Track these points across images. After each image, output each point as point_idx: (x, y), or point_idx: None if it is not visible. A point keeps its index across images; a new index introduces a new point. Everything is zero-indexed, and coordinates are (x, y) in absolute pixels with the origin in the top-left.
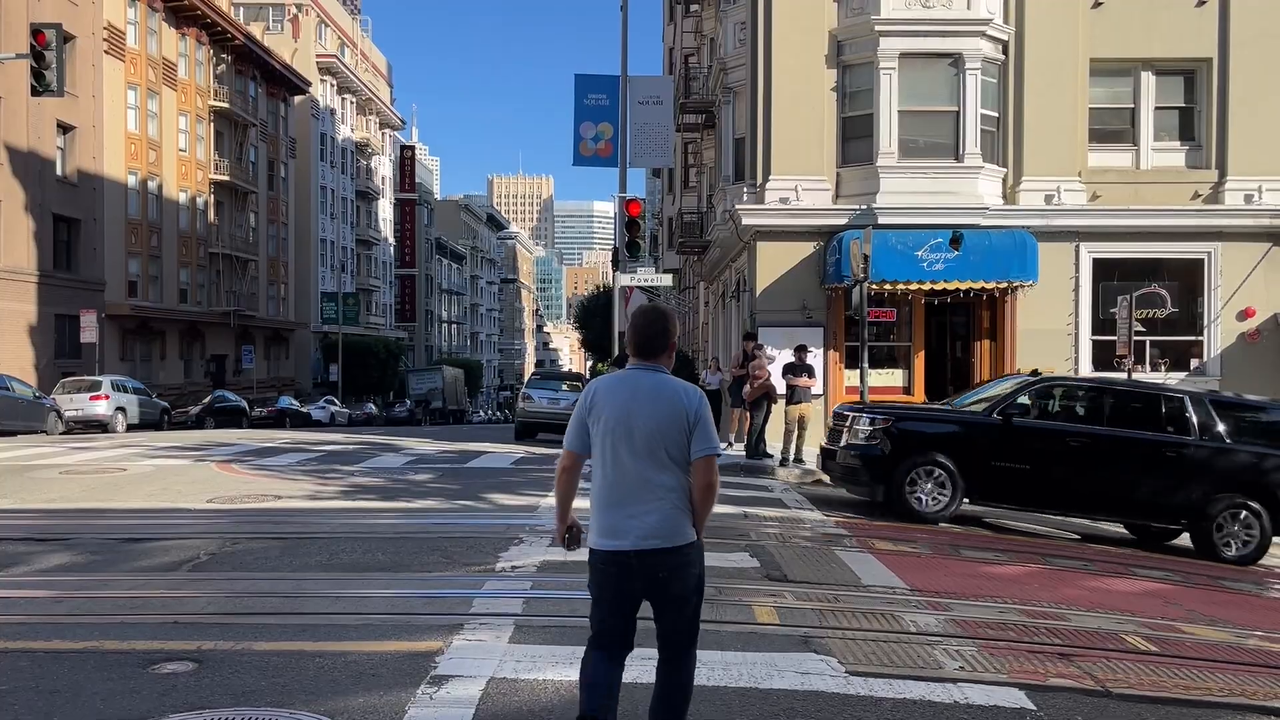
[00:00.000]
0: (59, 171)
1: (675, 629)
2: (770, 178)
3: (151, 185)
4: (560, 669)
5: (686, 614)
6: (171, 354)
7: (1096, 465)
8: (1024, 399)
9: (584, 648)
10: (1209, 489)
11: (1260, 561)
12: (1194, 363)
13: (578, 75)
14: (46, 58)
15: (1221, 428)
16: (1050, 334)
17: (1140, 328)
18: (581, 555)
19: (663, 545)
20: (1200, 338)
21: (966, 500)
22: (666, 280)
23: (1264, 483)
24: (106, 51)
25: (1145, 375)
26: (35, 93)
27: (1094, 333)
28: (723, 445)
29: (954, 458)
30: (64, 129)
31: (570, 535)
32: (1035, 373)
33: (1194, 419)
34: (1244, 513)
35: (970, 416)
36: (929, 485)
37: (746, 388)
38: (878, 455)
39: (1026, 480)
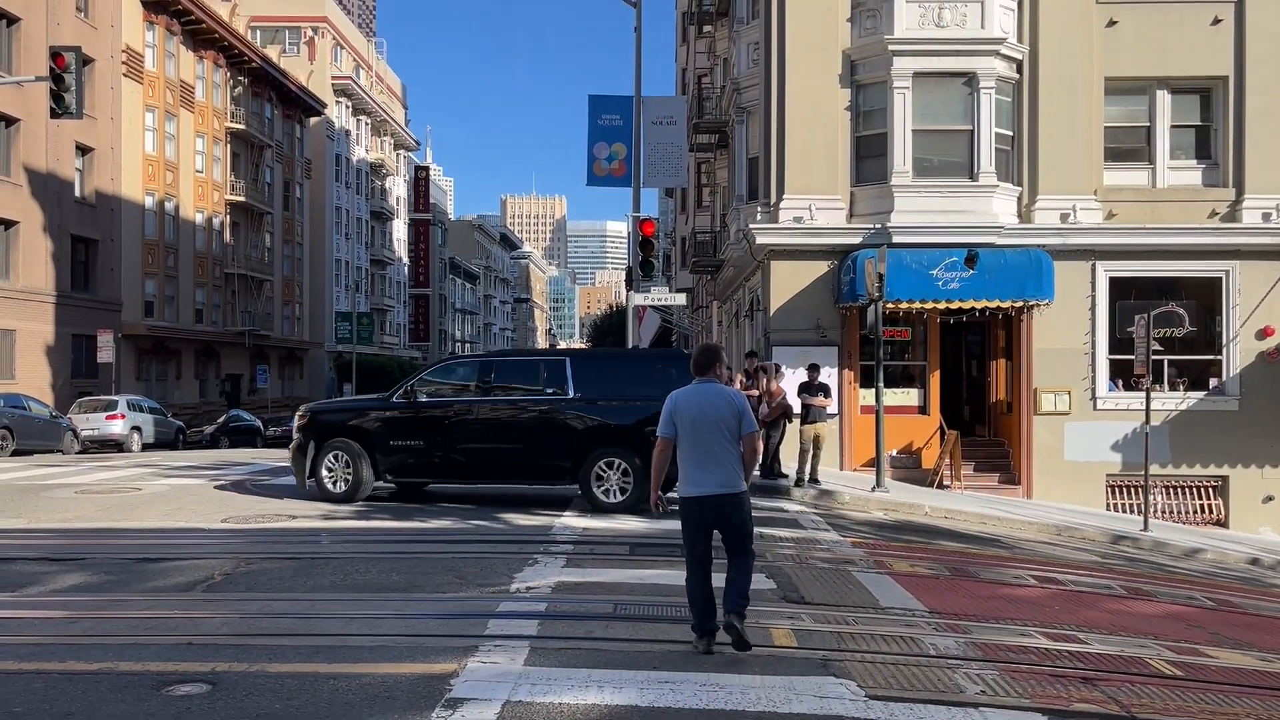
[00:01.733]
0: (77, 193)
1: (736, 544)
2: (784, 197)
3: (168, 206)
4: (577, 692)
5: (743, 534)
6: (187, 373)
7: (487, 432)
8: (433, 377)
9: (600, 669)
10: (586, 442)
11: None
12: (1213, 382)
13: (591, 96)
14: (66, 80)
15: (594, 383)
16: (1067, 353)
17: (1158, 347)
18: (596, 578)
19: (727, 492)
20: (1219, 357)
21: (387, 480)
22: (680, 299)
23: (636, 432)
24: (125, 74)
25: (1164, 394)
26: (54, 115)
27: (1111, 352)
28: None
29: (363, 441)
30: (82, 151)
31: (662, 497)
32: (452, 354)
33: (569, 378)
34: (620, 461)
35: (380, 401)
36: (339, 468)
37: (764, 408)
38: (301, 446)
39: (427, 454)
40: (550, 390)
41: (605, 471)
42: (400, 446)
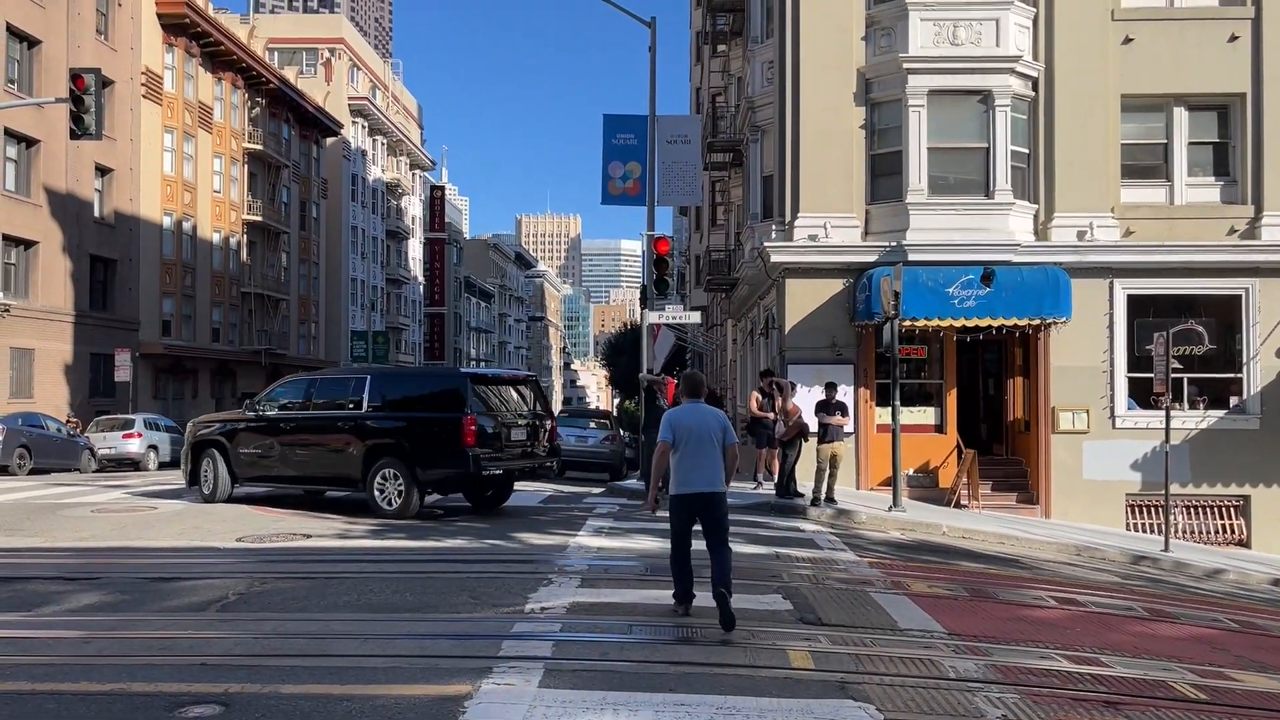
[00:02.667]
0: (96, 213)
1: (716, 536)
2: (799, 215)
3: (186, 226)
4: (592, 715)
5: (722, 526)
6: (203, 392)
7: (304, 443)
8: (276, 392)
9: (615, 691)
10: (370, 453)
11: (412, 511)
12: (1233, 400)
13: (606, 115)
14: (85, 102)
15: (385, 400)
16: (1085, 371)
17: (1177, 365)
18: (610, 598)
19: (712, 490)
20: (1239, 375)
21: (245, 484)
22: (694, 318)
23: (407, 444)
24: (144, 96)
25: (1183, 412)
26: (74, 136)
27: (1130, 370)
28: (751, 485)
29: (224, 451)
30: (102, 171)
31: (660, 498)
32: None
33: (366, 394)
34: (395, 471)
35: (239, 415)
36: (209, 474)
37: (780, 427)
38: (186, 454)
39: (264, 461)
40: (352, 405)
41: (385, 480)
42: (246, 454)
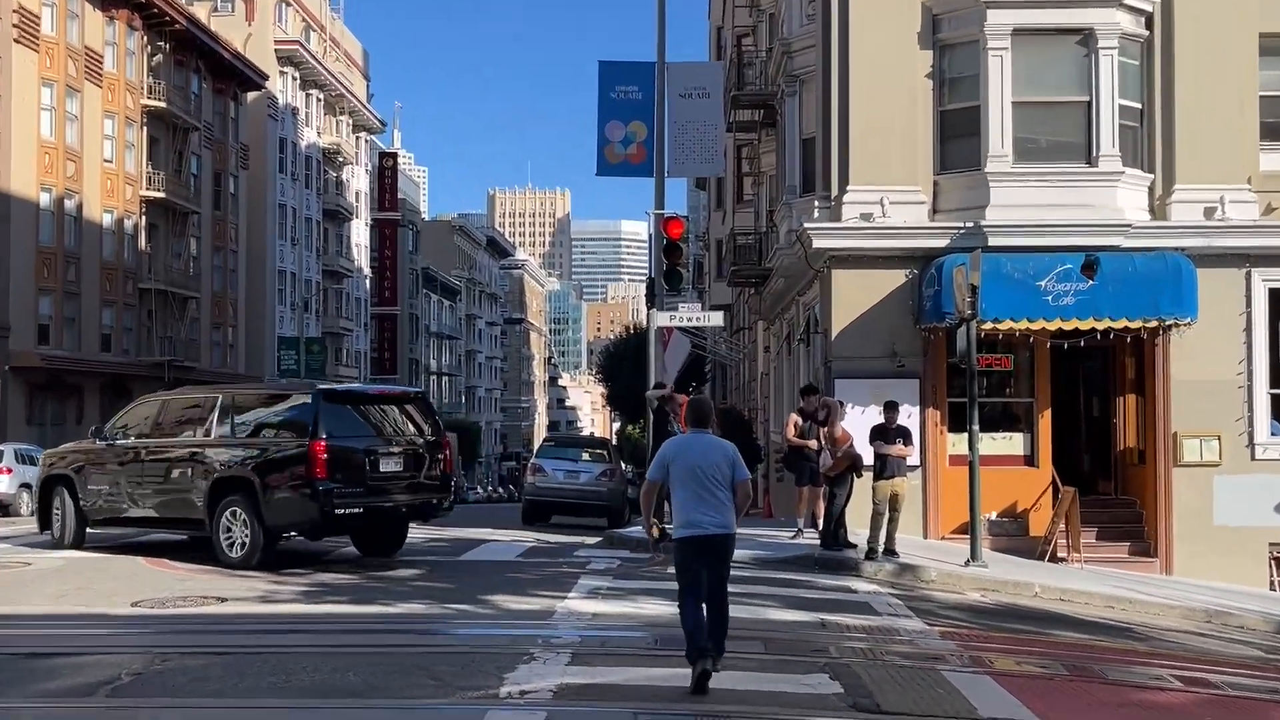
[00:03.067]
0: None
1: (718, 579)
2: (848, 189)
3: (69, 205)
4: None
5: (726, 569)
6: (91, 414)
7: (146, 478)
8: (126, 415)
9: None
10: (215, 490)
11: (268, 565)
12: None
13: (602, 63)
14: None
15: (234, 425)
16: (1215, 385)
17: None
18: (610, 678)
19: (723, 532)
20: None
21: (96, 528)
22: (715, 319)
23: (254, 479)
24: (16, 40)
25: None
26: None
27: (1273, 385)
28: (790, 533)
29: (71, 487)
30: None
31: (659, 534)
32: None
33: (214, 419)
34: (241, 512)
35: (89, 446)
36: (60, 515)
37: (825, 458)
38: (38, 493)
39: (111, 500)
40: (199, 432)
41: (231, 522)
42: (94, 491)
